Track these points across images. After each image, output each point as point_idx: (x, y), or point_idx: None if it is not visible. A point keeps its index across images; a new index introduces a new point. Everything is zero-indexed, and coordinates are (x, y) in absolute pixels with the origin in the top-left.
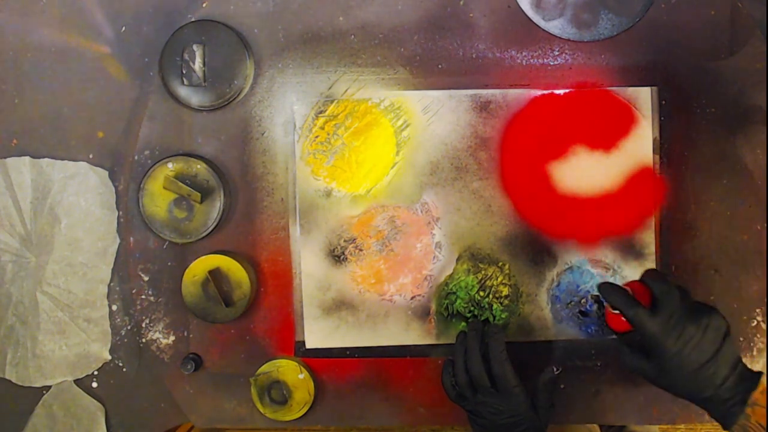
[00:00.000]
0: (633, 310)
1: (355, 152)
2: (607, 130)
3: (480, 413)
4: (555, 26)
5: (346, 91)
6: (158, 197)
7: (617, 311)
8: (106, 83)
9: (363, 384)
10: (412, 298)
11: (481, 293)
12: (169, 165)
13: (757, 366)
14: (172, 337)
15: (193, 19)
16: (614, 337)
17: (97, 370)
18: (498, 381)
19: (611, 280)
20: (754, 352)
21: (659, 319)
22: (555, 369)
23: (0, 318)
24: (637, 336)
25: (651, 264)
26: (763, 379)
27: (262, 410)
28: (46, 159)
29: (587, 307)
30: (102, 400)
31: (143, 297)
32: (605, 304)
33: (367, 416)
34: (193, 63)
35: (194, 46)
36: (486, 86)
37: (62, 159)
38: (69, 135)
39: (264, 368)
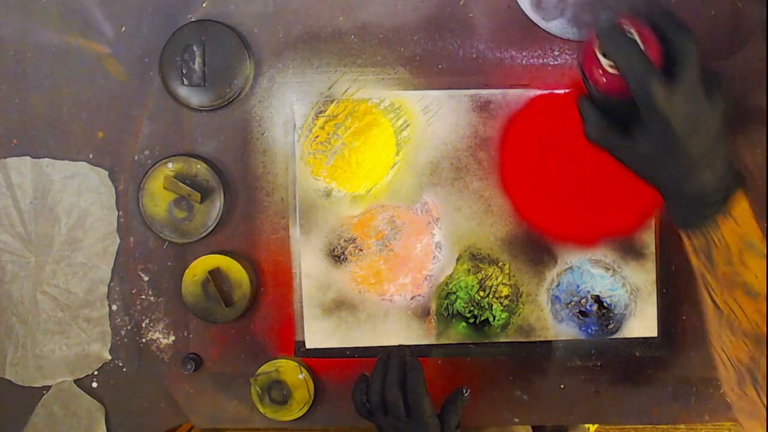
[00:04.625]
0: (646, 75)
1: (355, 152)
2: None
3: None
4: (555, 26)
5: (346, 91)
6: (158, 197)
7: (614, 70)
8: (106, 83)
9: None
10: (412, 298)
11: (481, 293)
12: (169, 165)
13: None
14: (172, 337)
15: (193, 19)
16: (614, 337)
17: (97, 370)
18: (413, 412)
19: (611, 280)
20: None
21: (676, 93)
22: (464, 391)
23: (0, 318)
24: (620, 103)
25: (651, 264)
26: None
27: (262, 410)
28: (46, 159)
29: (587, 307)
30: (102, 400)
31: (143, 297)
32: (594, 47)
33: None
34: (193, 63)
35: (194, 46)
36: (486, 86)
37: (62, 159)
38: (69, 135)
39: (264, 368)
